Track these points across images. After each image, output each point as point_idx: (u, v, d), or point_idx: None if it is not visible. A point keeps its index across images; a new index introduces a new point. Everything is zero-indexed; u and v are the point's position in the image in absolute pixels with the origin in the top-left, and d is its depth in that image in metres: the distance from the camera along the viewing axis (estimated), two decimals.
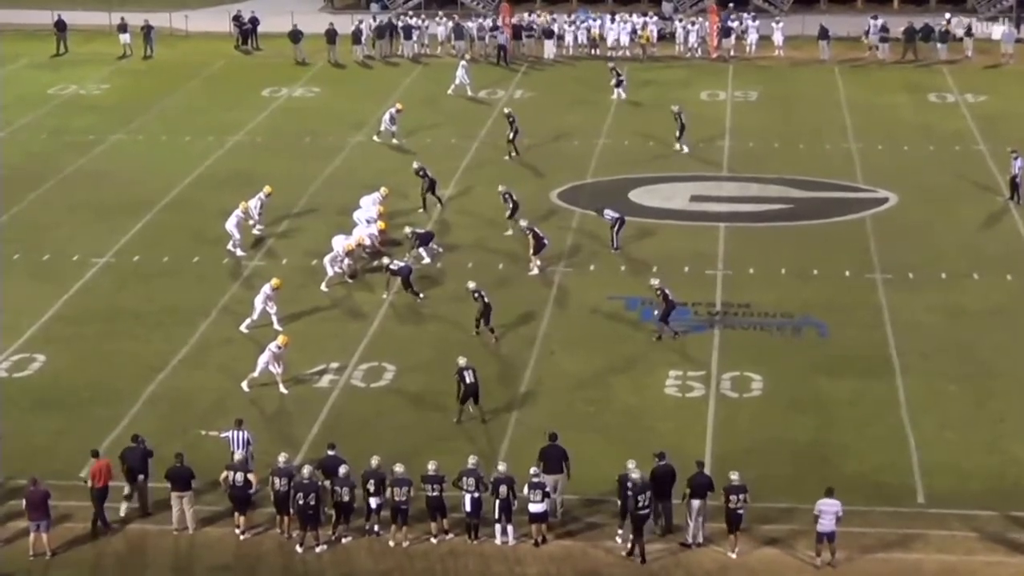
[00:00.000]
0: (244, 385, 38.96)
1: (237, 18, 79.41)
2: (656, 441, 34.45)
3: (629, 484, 31.43)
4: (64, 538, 32.62)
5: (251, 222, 49.45)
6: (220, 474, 32.83)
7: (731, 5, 79.37)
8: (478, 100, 66.25)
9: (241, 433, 34.12)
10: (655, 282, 42.48)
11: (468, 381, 36.95)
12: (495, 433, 36.49)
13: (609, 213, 48.55)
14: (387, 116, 59.63)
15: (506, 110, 59.33)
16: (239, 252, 47.88)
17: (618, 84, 66.25)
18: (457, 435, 36.20)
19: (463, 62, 68.54)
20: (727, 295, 44.67)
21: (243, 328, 42.63)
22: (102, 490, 32.91)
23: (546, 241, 46.83)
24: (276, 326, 42.13)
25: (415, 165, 51.99)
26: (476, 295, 42.13)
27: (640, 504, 31.40)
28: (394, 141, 59.27)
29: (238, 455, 33.15)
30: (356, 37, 75.18)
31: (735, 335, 42.09)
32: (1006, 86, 68.93)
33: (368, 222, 48.29)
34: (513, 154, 57.63)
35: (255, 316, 42.71)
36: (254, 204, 49.49)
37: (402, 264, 45.32)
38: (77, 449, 34.50)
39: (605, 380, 39.39)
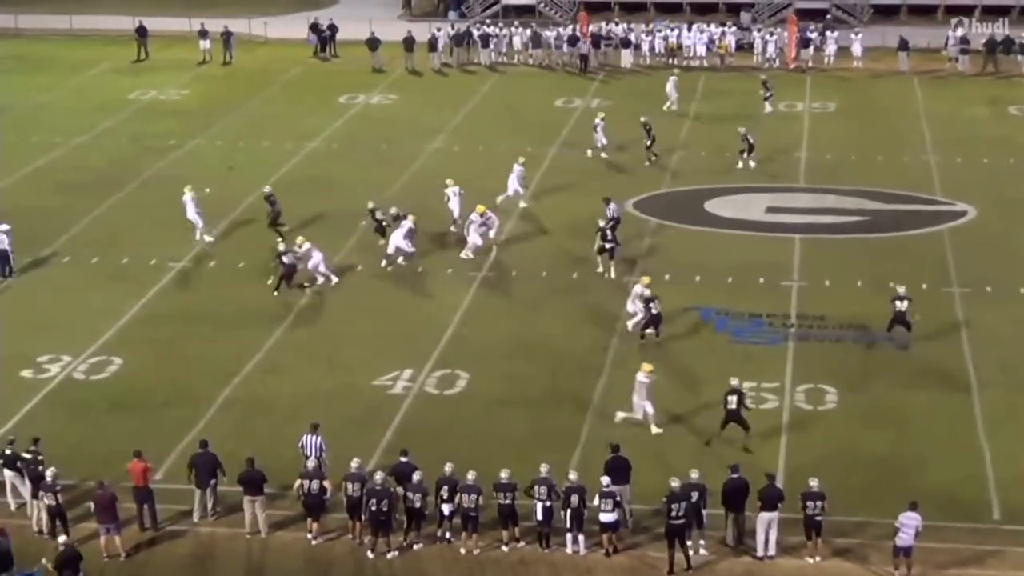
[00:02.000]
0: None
1: (315, 26, 79.76)
2: (730, 453, 34.33)
3: (667, 494, 31.47)
4: (137, 540, 32.92)
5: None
6: (294, 481, 32.97)
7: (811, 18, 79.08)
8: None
9: (315, 438, 34.29)
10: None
11: (730, 407, 36.29)
12: (567, 443, 36.44)
13: (612, 208, 48.61)
14: (596, 128, 59.11)
15: (642, 118, 59.06)
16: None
17: (766, 98, 66.18)
18: (530, 443, 36.15)
19: (672, 78, 67.19)
20: (802, 307, 44.43)
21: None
22: (142, 490, 33.20)
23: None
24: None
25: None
26: (648, 303, 42.05)
27: (675, 513, 31.34)
28: (603, 154, 59.04)
29: (311, 462, 33.27)
30: (433, 45, 75.37)
31: (810, 347, 41.85)
32: None
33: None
34: (652, 159, 57.73)
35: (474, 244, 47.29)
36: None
37: (289, 263, 46.13)
38: (153, 452, 34.69)
39: (678, 391, 39.23)
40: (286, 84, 73.36)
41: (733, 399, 36.17)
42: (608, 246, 46.84)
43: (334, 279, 46.62)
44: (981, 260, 47.75)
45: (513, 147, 58.48)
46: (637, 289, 43.06)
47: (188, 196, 50.40)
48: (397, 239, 47.85)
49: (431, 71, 74.87)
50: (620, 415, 37.29)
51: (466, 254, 48.32)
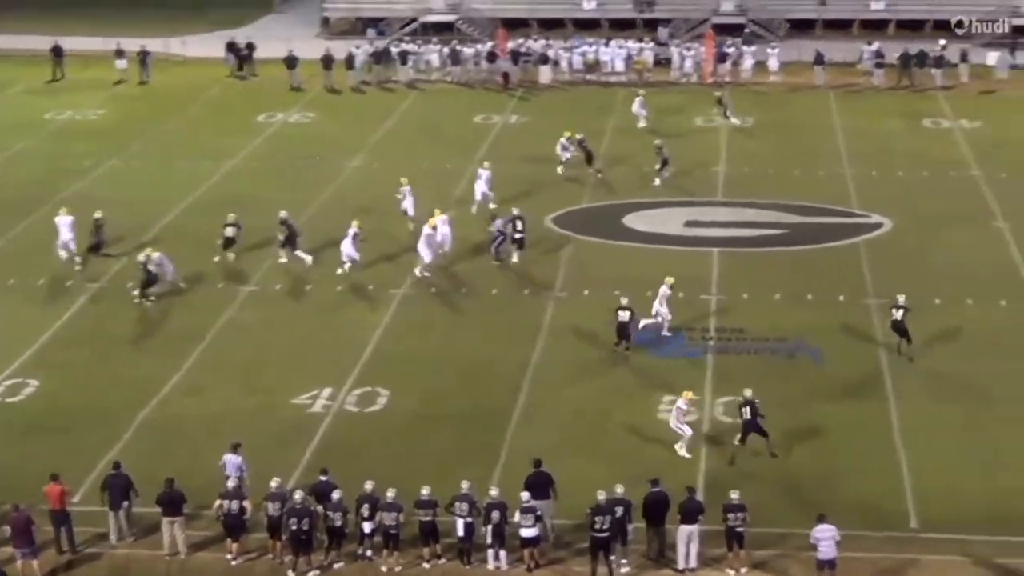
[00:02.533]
0: None
1: (233, 45, 79.42)
2: (650, 466, 34.44)
3: (591, 507, 31.61)
4: (55, 564, 32.63)
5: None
6: (213, 501, 32.79)
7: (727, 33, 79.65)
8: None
9: (236, 458, 34.13)
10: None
11: (746, 417, 36.53)
12: (488, 459, 36.45)
13: (497, 223, 49.31)
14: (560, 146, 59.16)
15: (657, 142, 59.21)
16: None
17: (725, 115, 66.58)
18: (451, 460, 36.11)
19: (638, 98, 67.14)
20: (721, 320, 44.68)
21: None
22: (59, 513, 32.90)
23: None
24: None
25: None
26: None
27: (599, 526, 31.46)
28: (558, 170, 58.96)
29: (231, 483, 33.11)
30: (351, 63, 75.28)
31: (729, 360, 42.07)
32: (1000, 112, 69.00)
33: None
34: (657, 181, 57.71)
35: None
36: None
37: (153, 271, 46.45)
38: (70, 475, 34.34)
39: (599, 405, 39.38)
40: (204, 103, 73.03)
41: (747, 410, 36.49)
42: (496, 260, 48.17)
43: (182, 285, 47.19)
44: (897, 272, 48.13)
45: (433, 164, 58.51)
46: (663, 290, 43.69)
47: (63, 219, 49.91)
48: (346, 247, 48.15)
49: (349, 89, 74.73)
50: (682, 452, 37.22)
51: (420, 272, 48.20)
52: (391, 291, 47.27)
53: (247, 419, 38.71)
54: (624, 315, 42.33)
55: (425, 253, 48.05)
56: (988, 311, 45.09)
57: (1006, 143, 63.22)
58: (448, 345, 43.42)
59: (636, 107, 66.14)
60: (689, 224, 53.36)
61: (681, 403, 37.16)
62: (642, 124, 65.54)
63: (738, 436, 36.51)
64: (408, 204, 52.58)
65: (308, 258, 49.05)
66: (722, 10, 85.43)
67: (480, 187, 54.25)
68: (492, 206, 52.59)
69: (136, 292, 46.57)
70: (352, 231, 48.37)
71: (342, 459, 35.65)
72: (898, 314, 42.14)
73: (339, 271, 48.44)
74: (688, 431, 36.86)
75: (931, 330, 43.42)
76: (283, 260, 49.28)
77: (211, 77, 77.71)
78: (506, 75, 74.36)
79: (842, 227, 52.96)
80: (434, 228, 48.59)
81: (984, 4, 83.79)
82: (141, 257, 46.88)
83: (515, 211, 50.28)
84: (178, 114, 70.41)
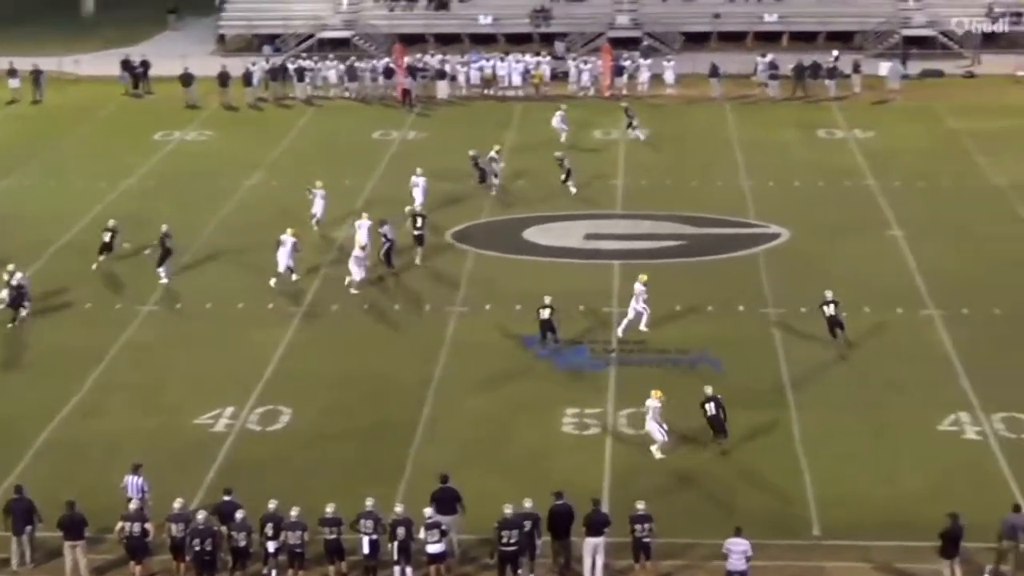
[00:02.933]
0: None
1: (127, 63, 78.74)
2: (554, 480, 34.48)
3: (499, 520, 31.64)
4: None
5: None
6: (115, 523, 32.45)
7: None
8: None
9: (137, 479, 33.81)
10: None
11: (710, 414, 37.24)
12: (392, 475, 36.37)
13: (386, 229, 49.76)
14: (491, 161, 59.21)
15: (557, 154, 59.39)
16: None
17: (631, 126, 66.51)
18: (355, 477, 36.00)
19: (559, 112, 66.94)
20: (622, 332, 44.84)
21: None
22: None
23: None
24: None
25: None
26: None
27: (506, 540, 31.51)
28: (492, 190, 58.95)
29: (133, 504, 32.79)
30: (248, 79, 74.93)
31: (631, 372, 42.23)
32: (893, 122, 69.89)
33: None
34: (573, 190, 58.09)
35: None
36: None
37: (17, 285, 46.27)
38: None
39: (503, 419, 39.42)
40: (99, 122, 72.40)
41: (711, 406, 37.16)
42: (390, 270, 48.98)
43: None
44: (795, 281, 48.57)
45: (332, 180, 58.18)
46: (638, 287, 44.44)
47: None
48: (282, 257, 48.36)
49: (247, 106, 74.40)
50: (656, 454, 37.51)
51: (353, 290, 48.11)
52: (292, 308, 47.08)
53: (149, 440, 38.34)
54: (545, 312, 43.27)
55: (356, 272, 48.07)
56: (885, 318, 45.59)
57: (899, 152, 64.07)
58: (350, 361, 43.30)
59: (556, 122, 66.09)
60: (589, 237, 53.57)
61: (653, 402, 37.45)
62: (563, 139, 65.35)
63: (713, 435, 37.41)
64: (318, 208, 53.47)
65: (164, 279, 48.91)
66: (618, 24, 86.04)
67: (418, 196, 54.64)
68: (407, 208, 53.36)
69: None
70: (289, 240, 48.63)
71: (245, 478, 35.42)
72: (831, 309, 43.17)
73: (272, 282, 48.47)
74: (663, 436, 37.13)
75: (829, 336, 43.82)
76: (163, 280, 49.08)
77: (106, 95, 77.01)
78: (406, 92, 74.21)
79: (740, 238, 53.37)
80: (363, 249, 48.55)
81: (876, 16, 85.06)
82: (4, 275, 46.47)
83: (418, 207, 51.85)
84: (73, 133, 69.76)
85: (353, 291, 48.01)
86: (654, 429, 37.29)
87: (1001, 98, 74.40)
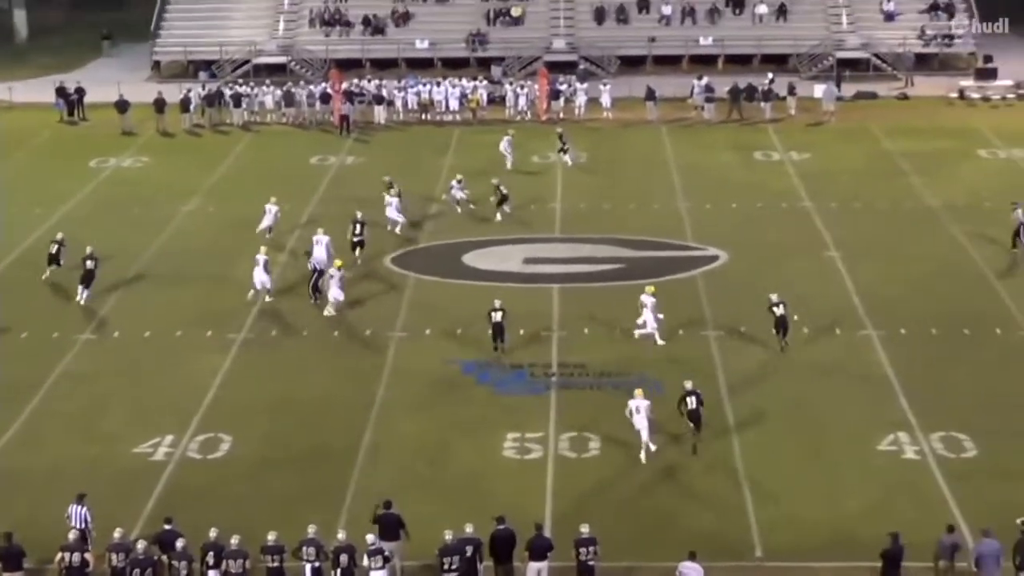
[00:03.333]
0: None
1: (62, 90, 78.29)
2: (496, 504, 34.43)
3: (440, 546, 31.62)
4: None
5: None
6: (55, 554, 32.14)
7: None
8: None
9: (81, 508, 33.56)
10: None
11: (691, 407, 38.47)
12: (334, 501, 36.24)
13: (315, 257, 50.10)
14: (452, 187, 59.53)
15: (494, 180, 59.44)
16: None
17: (563, 150, 66.57)
18: (297, 504, 35.83)
19: (507, 137, 66.77)
20: (563, 356, 44.90)
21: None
22: None
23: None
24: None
25: None
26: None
27: (447, 566, 31.47)
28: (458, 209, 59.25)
29: (72, 534, 32.50)
30: (185, 105, 74.66)
31: (572, 395, 42.27)
32: (828, 144, 70.40)
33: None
34: (499, 217, 58.23)
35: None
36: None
37: None
38: None
39: (444, 444, 39.34)
40: (34, 149, 71.94)
41: (692, 400, 38.42)
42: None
43: None
44: (734, 303, 48.76)
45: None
46: (649, 300, 45.72)
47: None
48: (258, 275, 48.78)
49: (183, 132, 74.13)
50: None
51: (328, 311, 48.14)
52: (230, 335, 46.85)
53: (88, 469, 38.00)
54: (497, 315, 44.63)
55: (337, 294, 48.25)
56: (823, 339, 45.85)
57: (835, 174, 64.50)
58: (290, 388, 43.12)
59: (504, 146, 66.12)
60: (528, 261, 53.61)
61: (637, 403, 38.31)
62: (509, 165, 65.46)
63: (691, 427, 38.50)
64: (268, 220, 54.57)
65: (82, 297, 49.06)
66: (554, 48, 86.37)
67: (391, 213, 55.57)
68: (398, 231, 54.88)
69: None
70: (262, 258, 48.85)
71: (186, 507, 35.19)
72: (780, 310, 44.55)
73: (249, 295, 48.77)
74: (644, 433, 38.02)
75: (769, 359, 44.07)
76: (80, 300, 49.21)
77: (41, 122, 76.54)
78: (344, 117, 74.01)
79: (679, 260, 53.54)
80: (340, 269, 48.64)
81: (809, 38, 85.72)
82: None
83: (358, 214, 52.85)
84: (8, 160, 69.25)
85: (330, 311, 48.20)
86: (639, 426, 38.16)
87: (934, 119, 75.10)
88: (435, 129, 73.55)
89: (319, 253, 50.17)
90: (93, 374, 44.48)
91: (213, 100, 76.26)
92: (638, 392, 38.54)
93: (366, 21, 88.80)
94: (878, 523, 33.61)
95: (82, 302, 48.97)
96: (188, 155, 70.45)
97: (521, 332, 46.24)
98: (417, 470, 37.99)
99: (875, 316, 47.50)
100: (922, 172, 64.10)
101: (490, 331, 44.73)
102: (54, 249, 50.98)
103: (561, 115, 75.39)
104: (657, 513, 35.65)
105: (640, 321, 45.67)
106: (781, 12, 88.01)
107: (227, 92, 77.13)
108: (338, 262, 49.01)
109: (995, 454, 38.21)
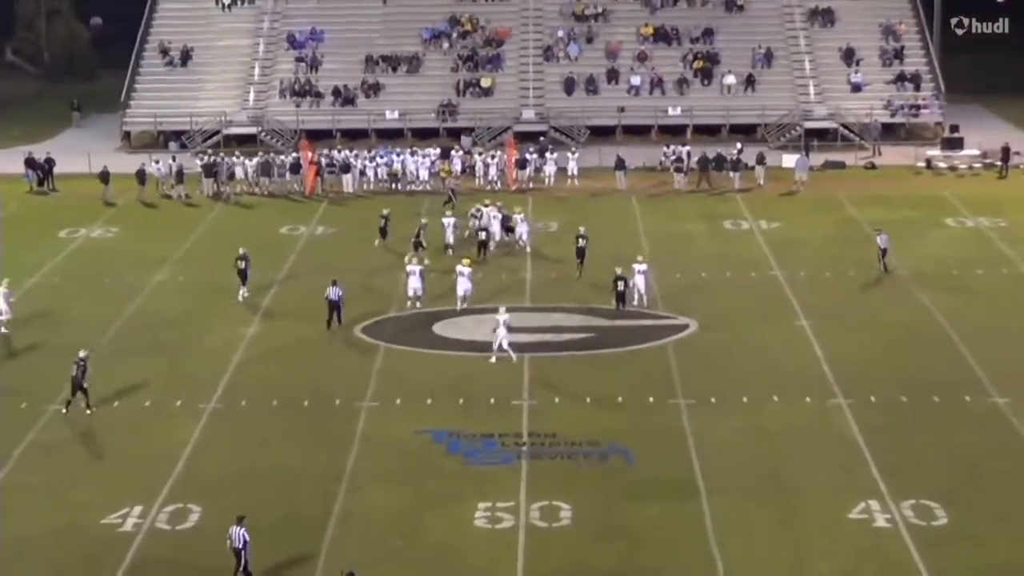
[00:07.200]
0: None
1: (31, 160, 78.29)
2: (468, 574, 34.30)
3: None
4: None
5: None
6: None
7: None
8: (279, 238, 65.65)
9: None
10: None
11: (619, 289, 48.75)
12: (304, 571, 36.04)
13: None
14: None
15: (423, 219, 61.37)
16: None
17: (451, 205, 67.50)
18: (267, 574, 35.63)
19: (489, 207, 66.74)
20: (533, 425, 44.84)
21: None
22: None
23: None
24: None
25: None
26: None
27: None
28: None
29: None
30: (140, 178, 74.82)
31: (543, 465, 42.19)
32: (798, 213, 70.83)
33: None
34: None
35: None
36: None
37: None
38: None
39: (415, 514, 39.20)
40: (4, 220, 71.75)
41: (621, 284, 50.53)
42: None
43: None
44: (704, 372, 48.87)
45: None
46: (642, 267, 53.63)
47: None
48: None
49: (153, 202, 74.15)
50: None
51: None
52: (200, 405, 46.71)
53: (55, 540, 37.77)
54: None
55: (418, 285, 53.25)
56: (793, 407, 45.93)
57: (804, 242, 64.89)
58: (260, 457, 42.95)
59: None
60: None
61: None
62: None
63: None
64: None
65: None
66: (524, 118, 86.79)
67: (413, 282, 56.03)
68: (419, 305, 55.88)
69: None
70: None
71: None
72: (581, 243, 53.57)
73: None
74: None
75: (739, 427, 44.12)
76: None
77: (10, 193, 76.47)
78: (314, 187, 74.27)
79: (649, 329, 53.62)
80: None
81: (777, 108, 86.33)
82: None
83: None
84: None
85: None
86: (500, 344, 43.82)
87: (901, 188, 75.69)
88: (405, 199, 73.77)
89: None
90: (61, 445, 44.22)
91: (182, 171, 76.01)
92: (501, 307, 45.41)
93: (336, 92, 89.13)
94: None
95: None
96: (158, 225, 70.56)
97: (492, 401, 46.19)
98: (388, 542, 37.80)
99: (845, 384, 47.60)
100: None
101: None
102: None
103: (530, 184, 75.65)
104: None
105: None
106: (749, 83, 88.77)
107: (198, 163, 77.29)
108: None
109: (966, 522, 38.23)
